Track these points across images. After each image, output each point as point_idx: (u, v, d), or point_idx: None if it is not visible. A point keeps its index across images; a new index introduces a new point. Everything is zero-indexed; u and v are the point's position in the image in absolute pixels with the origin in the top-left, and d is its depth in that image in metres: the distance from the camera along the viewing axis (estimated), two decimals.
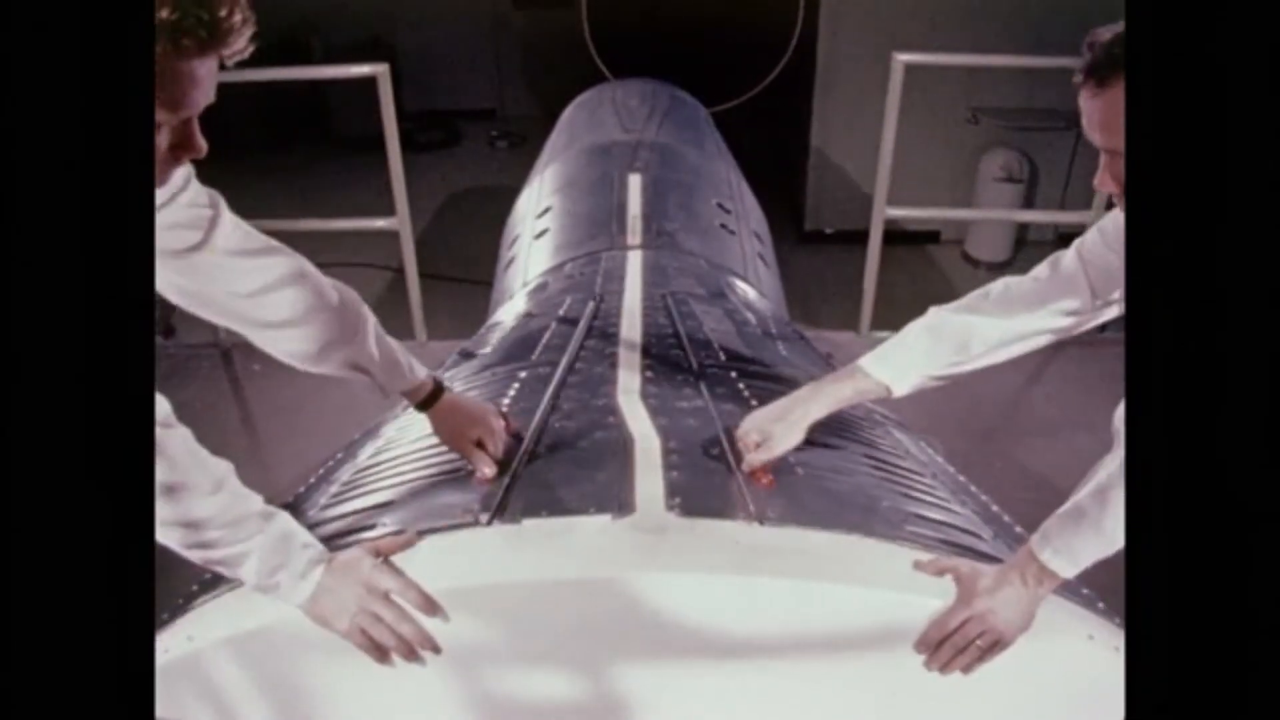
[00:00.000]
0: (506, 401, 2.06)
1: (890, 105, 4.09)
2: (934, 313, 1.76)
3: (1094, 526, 1.34)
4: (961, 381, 1.80)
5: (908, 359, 1.74)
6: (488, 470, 1.67)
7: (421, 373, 1.76)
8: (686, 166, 4.41)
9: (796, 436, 1.72)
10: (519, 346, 2.59)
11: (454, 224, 7.94)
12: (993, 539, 1.71)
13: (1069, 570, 1.38)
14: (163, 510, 1.25)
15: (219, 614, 1.43)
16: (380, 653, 1.36)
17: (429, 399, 1.76)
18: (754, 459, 1.68)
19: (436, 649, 1.37)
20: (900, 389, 1.74)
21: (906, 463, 2.01)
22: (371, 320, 1.68)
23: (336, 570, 1.37)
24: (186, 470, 1.29)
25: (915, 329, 1.76)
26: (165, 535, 1.28)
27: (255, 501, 1.38)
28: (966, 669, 1.38)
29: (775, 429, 1.72)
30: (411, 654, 1.36)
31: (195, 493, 1.29)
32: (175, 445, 1.29)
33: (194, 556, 1.33)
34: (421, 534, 1.48)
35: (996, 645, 1.37)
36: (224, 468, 1.36)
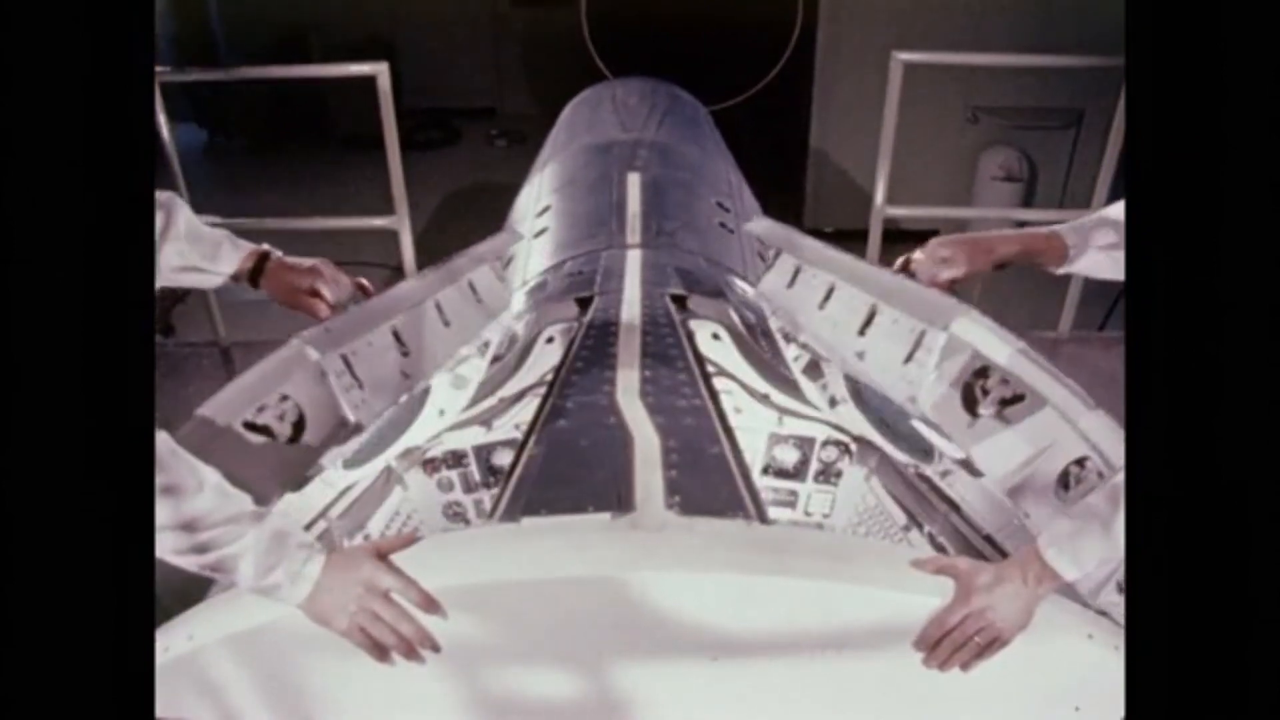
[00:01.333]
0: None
1: (890, 104, 4.10)
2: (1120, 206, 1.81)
3: (1103, 530, 1.34)
4: None
5: (1091, 237, 1.80)
6: (323, 310, 1.72)
7: (246, 246, 1.78)
8: (686, 165, 4.41)
9: (983, 264, 1.81)
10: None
11: (453, 223, 7.93)
12: None
13: (1072, 572, 1.37)
14: (156, 515, 1.25)
15: (219, 613, 1.43)
16: (380, 651, 1.36)
17: (258, 267, 1.77)
18: (942, 273, 1.78)
19: (437, 648, 1.37)
20: (1078, 265, 1.81)
21: None
22: (183, 207, 1.68)
23: (335, 568, 1.37)
24: (172, 472, 1.29)
25: (1107, 214, 1.82)
26: (160, 542, 1.28)
27: (246, 502, 1.37)
28: (965, 666, 1.38)
29: (969, 249, 1.81)
30: (412, 653, 1.36)
31: (184, 494, 1.29)
32: (159, 448, 1.29)
33: (190, 563, 1.32)
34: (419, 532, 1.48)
35: (995, 643, 1.37)
36: (209, 470, 1.36)
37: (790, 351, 2.54)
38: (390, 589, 1.37)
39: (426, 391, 2.46)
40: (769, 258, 4.12)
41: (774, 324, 2.55)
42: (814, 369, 2.53)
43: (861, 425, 2.47)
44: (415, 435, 2.51)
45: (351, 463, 2.29)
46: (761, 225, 2.63)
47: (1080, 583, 1.43)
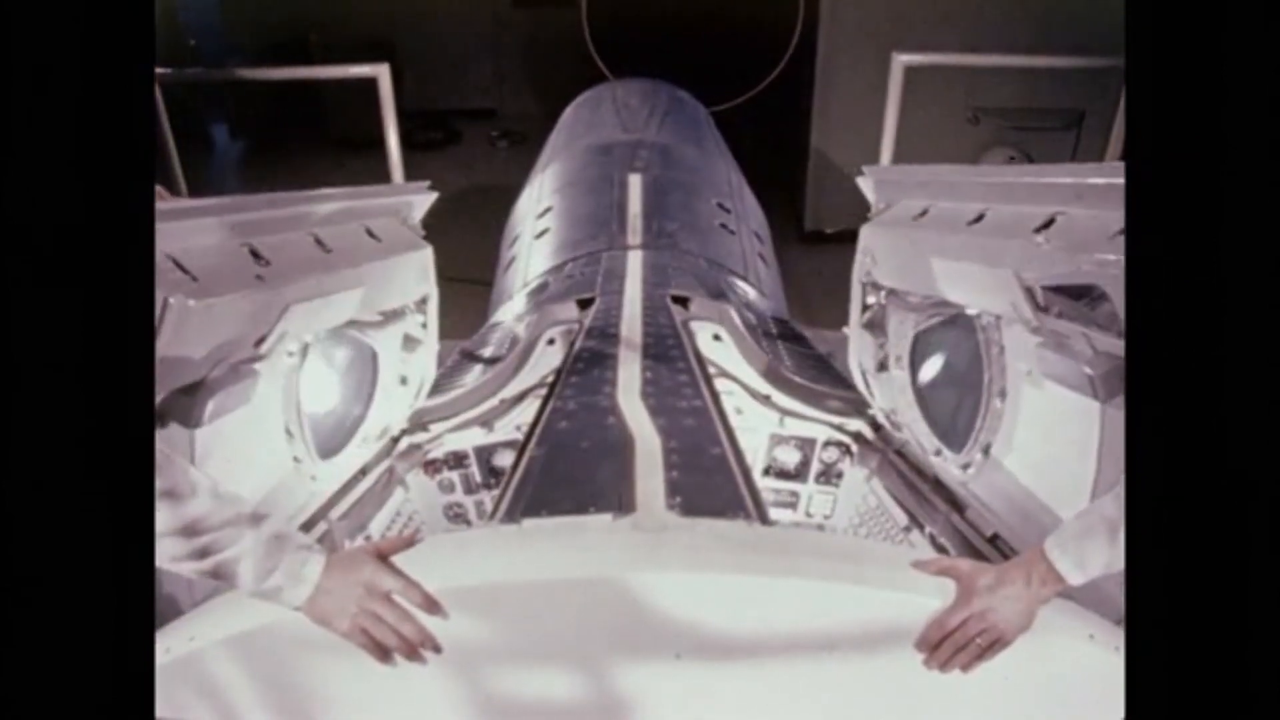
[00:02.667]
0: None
1: (890, 105, 4.10)
2: None
3: (1110, 535, 1.34)
4: None
5: None
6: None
7: None
8: (687, 166, 4.41)
9: None
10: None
11: (454, 224, 7.92)
12: None
13: (1075, 575, 1.36)
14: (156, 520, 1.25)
15: (220, 614, 1.43)
16: (382, 652, 1.36)
17: None
18: None
19: (438, 648, 1.37)
20: None
21: None
22: None
23: (336, 570, 1.37)
24: (168, 476, 1.28)
25: None
26: (159, 549, 1.27)
27: (243, 504, 1.37)
28: (966, 668, 1.38)
29: None
30: (414, 654, 1.36)
31: (182, 498, 1.28)
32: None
33: (189, 569, 1.31)
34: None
35: (996, 644, 1.37)
36: (201, 474, 1.35)
37: (868, 298, 2.45)
38: (391, 590, 1.37)
39: (374, 359, 2.42)
40: (768, 257, 4.14)
41: (859, 268, 2.44)
42: (878, 326, 2.47)
43: (902, 396, 2.41)
44: (382, 410, 2.46)
45: (326, 450, 2.26)
46: (886, 170, 2.49)
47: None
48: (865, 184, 2.44)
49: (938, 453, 2.27)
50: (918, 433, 2.35)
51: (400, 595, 1.36)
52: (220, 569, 1.32)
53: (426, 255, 2.43)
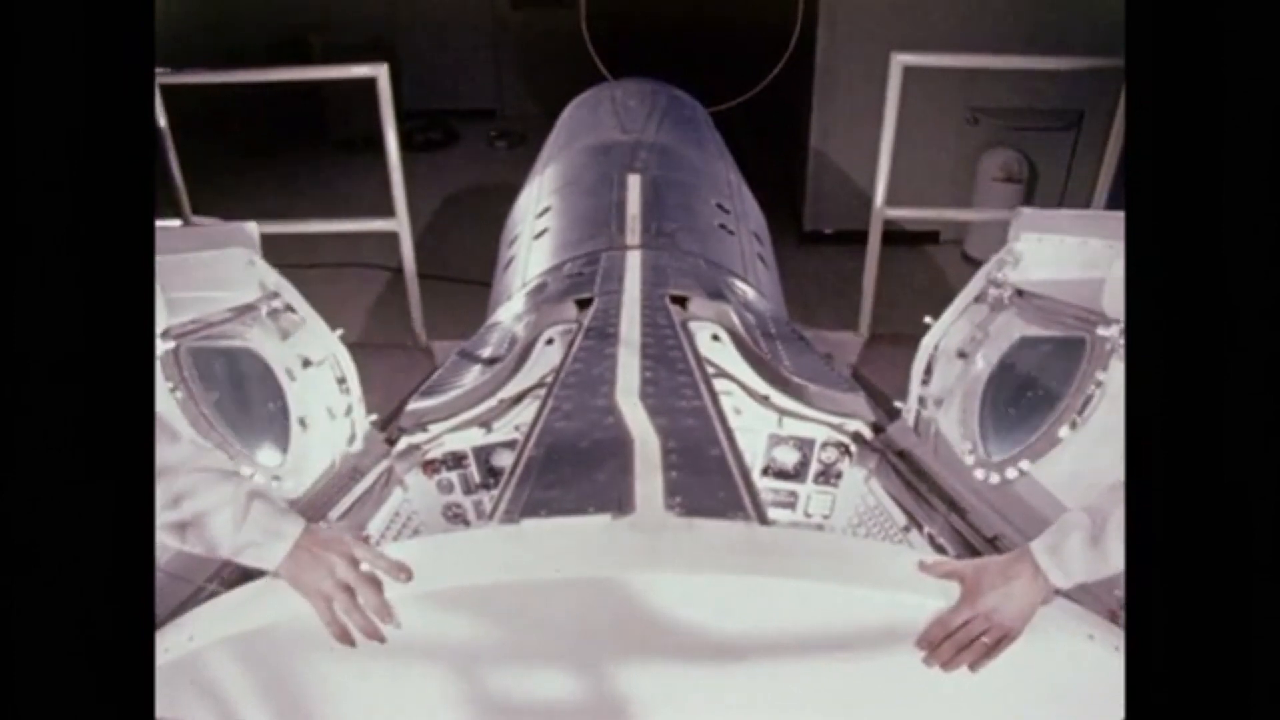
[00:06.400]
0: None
1: (889, 105, 4.10)
2: None
3: (1096, 540, 1.34)
4: None
5: None
6: None
7: None
8: (686, 166, 4.41)
9: None
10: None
11: (453, 224, 7.93)
12: None
13: (1058, 577, 1.37)
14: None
15: (219, 614, 1.43)
16: (341, 631, 1.35)
17: None
18: None
19: (395, 621, 1.35)
20: None
21: None
22: None
23: (316, 537, 1.39)
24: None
25: None
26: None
27: (222, 458, 1.38)
28: (972, 666, 1.38)
29: None
30: (374, 632, 1.35)
31: (160, 442, 1.29)
32: None
33: (167, 520, 1.32)
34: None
35: (1003, 641, 1.37)
36: (185, 425, 1.36)
37: (989, 291, 2.53)
38: (362, 559, 1.38)
39: (251, 353, 2.39)
40: (767, 257, 4.14)
41: (992, 265, 2.50)
42: (986, 318, 2.53)
43: (969, 387, 2.42)
44: (301, 393, 2.43)
45: (266, 448, 2.25)
46: (1042, 213, 2.57)
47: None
48: (1018, 223, 2.57)
49: (970, 451, 2.28)
50: (959, 426, 2.35)
51: (369, 563, 1.37)
52: (200, 519, 1.31)
53: (240, 254, 2.41)
